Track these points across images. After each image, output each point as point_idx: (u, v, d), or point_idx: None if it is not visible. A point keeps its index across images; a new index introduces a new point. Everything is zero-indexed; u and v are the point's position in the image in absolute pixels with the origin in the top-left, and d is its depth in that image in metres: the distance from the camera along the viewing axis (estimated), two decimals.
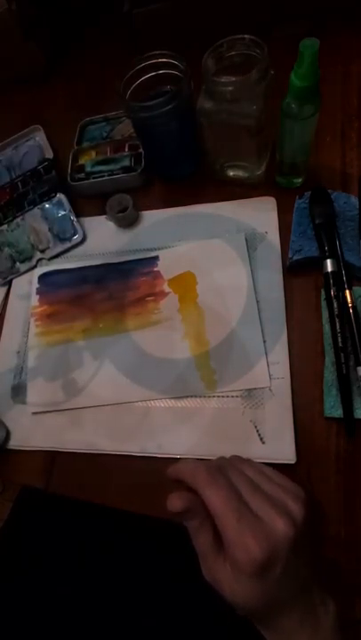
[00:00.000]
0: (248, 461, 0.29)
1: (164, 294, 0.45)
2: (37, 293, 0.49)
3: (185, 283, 0.45)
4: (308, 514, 0.26)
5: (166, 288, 0.45)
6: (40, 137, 0.59)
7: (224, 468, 0.28)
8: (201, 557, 0.27)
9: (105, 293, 0.47)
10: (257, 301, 0.42)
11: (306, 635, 0.25)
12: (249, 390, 0.39)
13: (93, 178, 0.52)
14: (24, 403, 0.44)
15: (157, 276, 0.46)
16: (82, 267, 0.49)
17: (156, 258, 0.47)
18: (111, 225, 0.51)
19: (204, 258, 0.45)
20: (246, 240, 0.45)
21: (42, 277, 0.50)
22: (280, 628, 0.26)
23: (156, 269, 0.46)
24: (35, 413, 0.43)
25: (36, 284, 0.50)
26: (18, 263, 0.52)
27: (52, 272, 0.50)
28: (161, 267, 0.46)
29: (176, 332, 0.43)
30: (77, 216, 0.52)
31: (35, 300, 0.49)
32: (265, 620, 0.26)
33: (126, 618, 0.46)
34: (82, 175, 0.53)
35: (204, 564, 0.27)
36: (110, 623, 0.46)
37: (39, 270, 0.51)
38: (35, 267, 0.51)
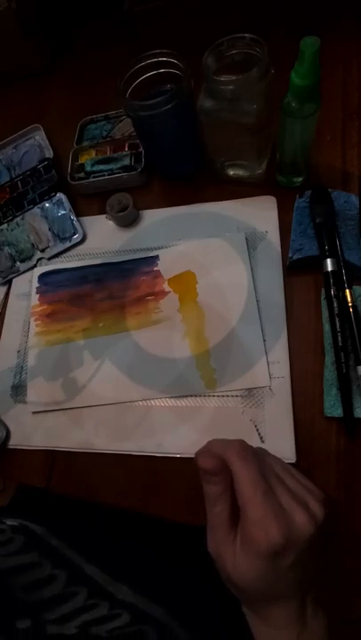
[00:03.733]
0: (274, 456, 0.29)
1: (164, 293, 0.45)
2: (37, 293, 0.49)
3: (185, 282, 0.45)
4: (327, 516, 0.26)
5: (166, 287, 0.45)
6: (40, 136, 0.59)
7: (255, 453, 0.27)
8: (211, 527, 0.27)
9: (105, 293, 0.47)
10: (257, 301, 0.42)
11: (292, 632, 0.26)
12: (249, 390, 0.39)
13: (93, 177, 0.52)
14: (24, 402, 0.44)
15: (157, 275, 0.46)
16: (82, 266, 0.49)
17: (156, 257, 0.47)
18: (111, 224, 0.51)
19: (204, 257, 0.45)
20: (247, 239, 0.45)
21: (42, 277, 0.50)
22: (269, 618, 0.26)
23: (156, 269, 0.46)
24: (35, 413, 0.43)
25: (35, 284, 0.50)
26: (18, 262, 0.52)
27: (51, 271, 0.50)
28: (161, 266, 0.46)
29: (176, 331, 0.43)
30: (77, 215, 0.52)
31: (35, 299, 0.49)
32: (256, 606, 0.27)
33: None
34: (82, 174, 0.53)
35: (213, 536, 0.27)
36: None
37: (39, 270, 0.50)
38: (35, 266, 0.51)
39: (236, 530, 0.26)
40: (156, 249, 0.47)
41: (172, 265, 0.46)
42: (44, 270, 0.50)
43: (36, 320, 0.47)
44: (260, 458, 0.27)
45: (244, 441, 0.27)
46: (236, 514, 0.26)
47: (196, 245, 0.46)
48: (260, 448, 0.30)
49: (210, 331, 0.42)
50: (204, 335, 0.42)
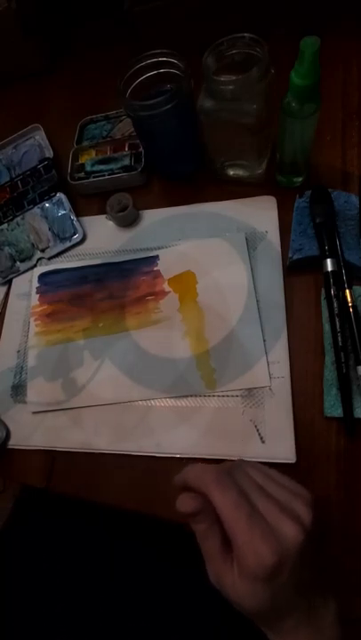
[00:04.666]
0: (254, 464, 0.29)
1: (164, 293, 0.45)
2: (37, 292, 0.49)
3: (185, 282, 0.45)
4: (315, 516, 0.26)
5: (166, 287, 0.45)
6: (40, 136, 0.59)
7: (232, 472, 0.27)
8: (207, 561, 0.27)
9: (105, 293, 0.47)
10: (257, 300, 0.42)
11: (307, 634, 0.25)
12: (249, 390, 0.39)
13: (93, 177, 0.52)
14: (24, 402, 0.44)
15: (157, 275, 0.46)
16: (82, 266, 0.49)
17: (156, 257, 0.47)
18: (111, 224, 0.51)
19: (204, 257, 0.45)
20: (247, 239, 0.45)
21: (42, 277, 0.50)
22: (283, 628, 0.26)
23: (156, 269, 0.46)
24: (35, 413, 0.43)
25: (35, 284, 0.50)
26: (18, 262, 0.52)
27: (51, 271, 0.50)
28: (161, 266, 0.46)
29: (176, 331, 0.43)
30: (77, 215, 0.52)
31: (35, 299, 0.49)
32: (267, 622, 0.26)
33: (126, 618, 0.46)
34: (82, 174, 0.53)
35: (211, 568, 0.26)
36: (110, 623, 0.46)
37: (39, 269, 0.50)
38: (35, 266, 0.51)
39: (231, 556, 0.25)
40: (156, 249, 0.47)
41: (172, 265, 0.46)
42: (43, 270, 0.50)
43: (35, 320, 0.47)
44: (239, 473, 0.27)
45: (217, 465, 0.27)
46: (228, 541, 0.26)
47: (196, 245, 0.46)
48: (240, 460, 0.30)
49: (210, 331, 0.42)
50: (204, 335, 0.42)
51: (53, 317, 0.47)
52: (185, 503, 0.26)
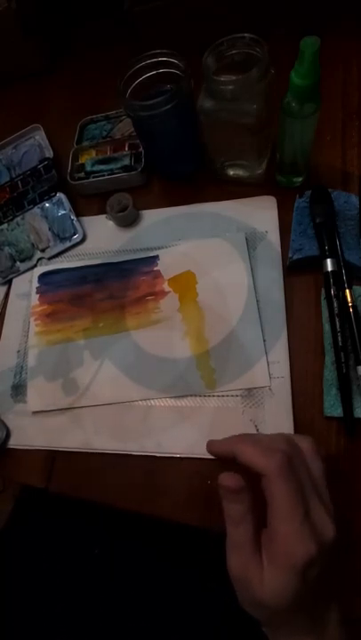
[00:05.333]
0: (314, 456, 0.27)
1: (163, 293, 0.45)
2: (37, 292, 0.49)
3: (185, 282, 0.45)
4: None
5: (166, 287, 0.45)
6: (40, 136, 0.59)
7: (293, 460, 0.26)
8: (234, 548, 0.26)
9: (105, 293, 0.47)
10: (257, 301, 0.42)
11: (311, 637, 0.25)
12: (249, 389, 0.39)
13: (93, 177, 0.52)
14: (24, 402, 0.44)
15: (157, 275, 0.46)
16: (82, 266, 0.49)
17: (156, 257, 0.47)
18: (111, 224, 0.51)
19: (204, 257, 0.45)
20: (247, 239, 0.45)
21: (42, 277, 0.50)
22: (290, 632, 0.26)
23: (156, 269, 0.46)
24: (35, 413, 0.43)
25: (35, 284, 0.50)
26: (18, 262, 0.52)
27: (51, 271, 0.50)
28: (161, 266, 0.46)
29: (176, 331, 0.43)
30: (77, 215, 0.52)
31: (35, 299, 0.49)
32: (278, 622, 0.26)
33: (126, 618, 0.46)
34: (82, 174, 0.53)
35: (236, 556, 0.26)
36: (110, 623, 0.46)
37: (39, 269, 0.50)
38: (35, 266, 0.51)
39: (259, 546, 0.25)
40: (156, 249, 0.47)
41: (172, 265, 0.46)
42: (43, 270, 0.50)
43: (35, 320, 0.47)
44: (299, 464, 0.26)
45: (285, 451, 0.26)
46: (259, 530, 0.26)
47: (196, 245, 0.46)
48: (305, 440, 0.28)
49: (210, 331, 0.42)
50: (204, 335, 0.42)
51: (53, 317, 0.47)
52: (228, 480, 0.26)
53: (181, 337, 0.42)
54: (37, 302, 0.48)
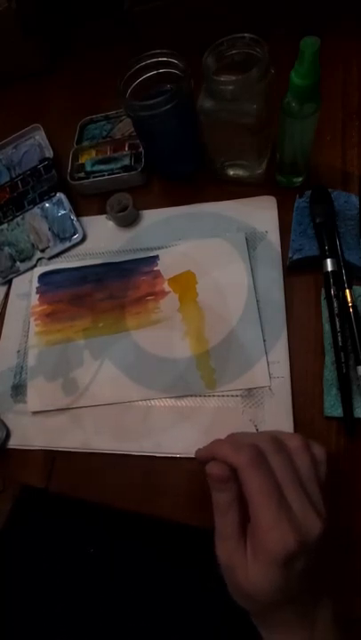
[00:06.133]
0: (305, 452, 0.27)
1: (164, 293, 0.45)
2: (37, 293, 0.49)
3: (185, 282, 0.45)
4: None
5: (166, 287, 0.45)
6: (40, 136, 0.59)
7: (271, 455, 0.26)
8: (220, 538, 0.26)
9: (105, 293, 0.47)
10: (257, 300, 0.42)
11: (305, 635, 0.25)
12: (249, 390, 0.39)
13: (93, 177, 0.52)
14: (24, 402, 0.44)
15: (157, 275, 0.46)
16: (82, 266, 0.49)
17: (156, 257, 0.47)
18: (111, 224, 0.51)
19: (204, 257, 0.45)
20: (247, 239, 0.45)
21: (42, 277, 0.50)
22: (280, 624, 0.26)
23: (156, 269, 0.46)
24: (35, 413, 0.43)
25: (35, 284, 0.50)
26: (18, 262, 0.52)
27: (51, 271, 0.50)
28: (161, 266, 0.46)
29: (176, 331, 0.43)
30: (77, 215, 0.52)
31: (35, 299, 0.49)
32: (266, 616, 0.26)
33: (126, 618, 0.46)
34: (82, 174, 0.53)
35: (223, 546, 0.26)
36: (110, 623, 0.46)
37: (39, 270, 0.50)
38: (35, 266, 0.51)
39: (245, 538, 0.26)
40: (156, 249, 0.47)
41: (172, 265, 0.46)
42: (43, 270, 0.50)
43: (35, 320, 0.47)
44: (279, 454, 0.26)
45: (256, 445, 0.26)
46: (245, 521, 0.26)
47: (196, 245, 0.46)
48: (296, 438, 0.28)
49: (210, 331, 0.42)
50: (204, 335, 0.42)
51: (53, 317, 0.47)
52: (215, 467, 0.26)
53: (181, 337, 0.42)
54: (37, 302, 0.48)
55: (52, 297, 0.48)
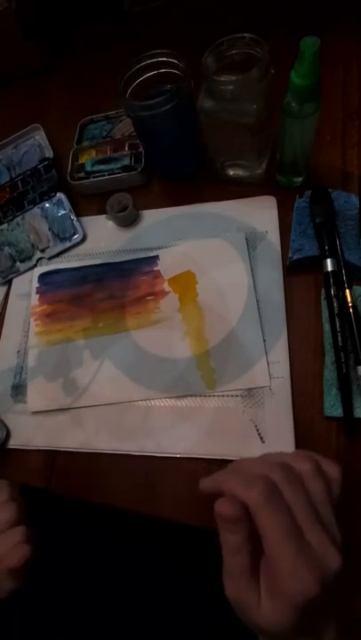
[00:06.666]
0: (319, 477, 0.25)
1: (163, 293, 0.45)
2: (37, 293, 0.49)
3: (185, 282, 0.45)
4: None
5: (166, 287, 0.45)
6: (40, 136, 0.59)
7: (285, 486, 0.24)
8: (229, 577, 0.24)
9: (105, 293, 0.47)
10: (257, 301, 0.42)
11: None
12: (249, 390, 0.39)
13: (93, 177, 0.52)
14: (24, 402, 0.44)
15: (157, 275, 0.46)
16: (82, 266, 0.49)
17: (156, 257, 0.47)
18: (111, 224, 0.51)
19: (203, 257, 0.45)
20: (247, 239, 0.45)
21: (42, 277, 0.50)
22: None
23: (156, 269, 0.46)
24: (35, 413, 0.43)
25: (35, 284, 0.50)
26: (18, 262, 0.52)
27: (51, 271, 0.50)
28: (161, 266, 0.46)
29: (176, 331, 0.43)
30: (77, 215, 0.52)
31: (35, 299, 0.49)
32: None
33: (126, 618, 0.46)
34: (82, 174, 0.53)
35: (232, 586, 0.24)
36: (110, 623, 0.46)
37: (39, 270, 0.50)
38: (35, 266, 0.51)
39: (257, 576, 0.24)
40: (156, 249, 0.47)
41: (172, 265, 0.46)
42: (43, 270, 0.50)
43: (35, 320, 0.47)
44: (293, 484, 0.24)
45: (267, 477, 0.23)
46: (256, 557, 0.24)
47: (196, 245, 0.46)
48: (306, 459, 0.26)
49: (210, 331, 0.42)
50: (204, 335, 0.42)
51: (53, 317, 0.47)
52: (226, 506, 0.23)
53: (181, 337, 0.42)
54: (37, 302, 0.48)
55: (52, 297, 0.48)
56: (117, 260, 0.48)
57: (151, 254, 0.47)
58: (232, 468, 0.26)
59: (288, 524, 0.22)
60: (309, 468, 0.25)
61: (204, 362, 0.41)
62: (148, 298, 0.45)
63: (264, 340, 0.40)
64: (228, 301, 0.42)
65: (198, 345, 0.41)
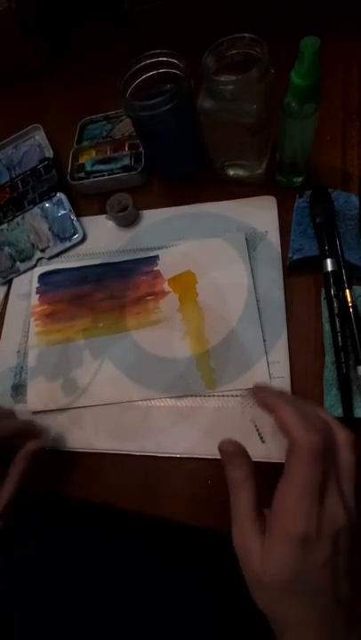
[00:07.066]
0: (350, 449, 0.27)
1: (164, 293, 0.45)
2: (37, 293, 0.49)
3: (185, 282, 0.45)
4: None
5: (166, 287, 0.45)
6: (40, 136, 0.59)
7: (327, 445, 0.26)
8: (236, 519, 0.27)
9: (105, 293, 0.47)
10: (257, 300, 0.42)
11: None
12: (249, 389, 0.39)
13: (93, 177, 0.52)
14: (24, 402, 0.44)
15: (157, 275, 0.46)
16: (82, 266, 0.49)
17: (156, 257, 0.47)
18: (111, 224, 0.51)
19: (204, 257, 0.45)
20: (247, 239, 0.45)
21: (42, 277, 0.50)
22: (296, 627, 0.24)
23: (156, 268, 0.46)
24: (35, 413, 0.43)
25: (35, 284, 0.50)
26: (18, 262, 0.52)
27: (52, 271, 0.50)
28: (161, 266, 0.46)
29: (176, 331, 0.43)
30: (77, 215, 0.52)
31: (34, 299, 0.49)
32: (282, 616, 0.25)
33: (126, 618, 0.46)
34: (82, 174, 0.53)
35: (239, 528, 0.26)
36: (110, 623, 0.46)
37: (39, 269, 0.50)
38: (35, 266, 0.51)
39: (262, 521, 0.26)
40: (156, 249, 0.47)
41: (172, 265, 0.46)
42: (43, 270, 0.50)
43: (35, 320, 0.47)
44: (331, 454, 0.26)
45: (324, 435, 0.25)
46: (260, 506, 0.26)
47: (196, 245, 0.46)
48: (344, 430, 0.27)
49: (210, 331, 0.42)
50: (204, 335, 0.42)
51: (53, 317, 0.47)
52: (229, 443, 0.28)
53: (181, 337, 0.42)
54: (37, 302, 0.48)
55: (52, 297, 0.48)
56: (117, 260, 0.48)
57: (151, 254, 0.47)
58: (287, 400, 0.28)
59: (317, 483, 0.24)
60: (345, 438, 0.27)
61: (204, 362, 0.41)
62: (148, 298, 0.45)
63: (264, 340, 0.40)
64: (228, 301, 0.42)
65: (198, 345, 0.41)
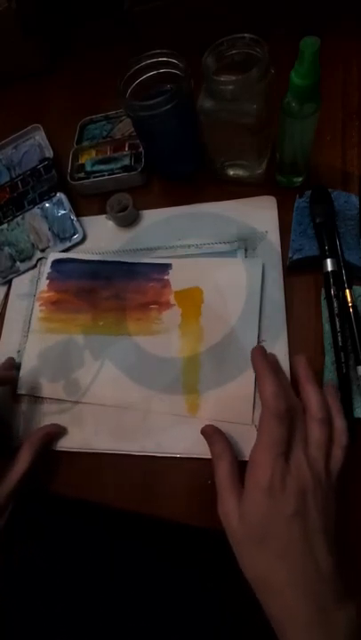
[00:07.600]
0: (320, 425, 0.30)
1: (168, 305, 0.44)
2: (47, 278, 0.49)
3: (191, 298, 0.44)
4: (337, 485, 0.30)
5: (172, 300, 0.44)
6: (40, 136, 0.59)
7: (298, 415, 0.31)
8: (218, 489, 0.31)
9: (111, 291, 0.46)
10: (259, 331, 0.41)
11: (310, 607, 0.25)
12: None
13: (93, 177, 0.52)
14: (24, 402, 0.44)
15: (166, 284, 0.45)
16: (96, 260, 0.49)
17: (169, 266, 0.46)
18: (111, 224, 0.51)
19: (216, 277, 0.44)
20: (263, 266, 0.43)
21: (55, 263, 0.50)
22: (279, 590, 0.26)
23: (166, 277, 0.45)
24: (35, 413, 0.43)
25: (48, 269, 0.49)
26: (18, 262, 0.52)
27: (66, 260, 0.50)
28: (172, 275, 0.45)
29: (172, 347, 0.42)
30: (77, 215, 0.52)
31: (44, 284, 0.49)
32: (263, 578, 0.27)
33: (126, 618, 0.46)
34: (82, 174, 0.53)
35: (221, 498, 0.30)
36: (110, 623, 0.46)
37: (54, 255, 0.50)
38: (35, 266, 0.51)
39: (240, 488, 0.29)
40: (156, 249, 0.47)
41: (183, 277, 0.45)
42: (59, 257, 0.50)
43: (41, 305, 0.47)
44: (302, 423, 0.31)
45: (293, 406, 0.31)
46: (240, 483, 0.30)
47: (212, 263, 0.44)
48: (342, 420, 0.32)
49: (204, 356, 0.41)
50: (198, 359, 0.41)
51: (58, 306, 0.47)
52: (207, 426, 0.36)
53: (174, 355, 0.41)
54: (46, 288, 0.48)
55: (60, 285, 0.48)
56: (132, 261, 0.47)
57: (165, 262, 0.46)
58: (273, 372, 0.32)
59: (281, 440, 0.29)
60: (338, 426, 0.31)
61: (191, 385, 0.40)
62: (152, 306, 0.45)
63: (263, 341, 0.40)
64: (231, 329, 0.41)
65: (188, 368, 0.41)
